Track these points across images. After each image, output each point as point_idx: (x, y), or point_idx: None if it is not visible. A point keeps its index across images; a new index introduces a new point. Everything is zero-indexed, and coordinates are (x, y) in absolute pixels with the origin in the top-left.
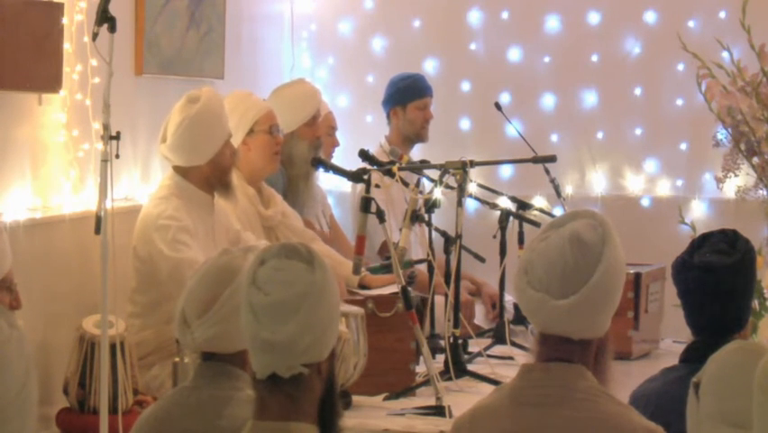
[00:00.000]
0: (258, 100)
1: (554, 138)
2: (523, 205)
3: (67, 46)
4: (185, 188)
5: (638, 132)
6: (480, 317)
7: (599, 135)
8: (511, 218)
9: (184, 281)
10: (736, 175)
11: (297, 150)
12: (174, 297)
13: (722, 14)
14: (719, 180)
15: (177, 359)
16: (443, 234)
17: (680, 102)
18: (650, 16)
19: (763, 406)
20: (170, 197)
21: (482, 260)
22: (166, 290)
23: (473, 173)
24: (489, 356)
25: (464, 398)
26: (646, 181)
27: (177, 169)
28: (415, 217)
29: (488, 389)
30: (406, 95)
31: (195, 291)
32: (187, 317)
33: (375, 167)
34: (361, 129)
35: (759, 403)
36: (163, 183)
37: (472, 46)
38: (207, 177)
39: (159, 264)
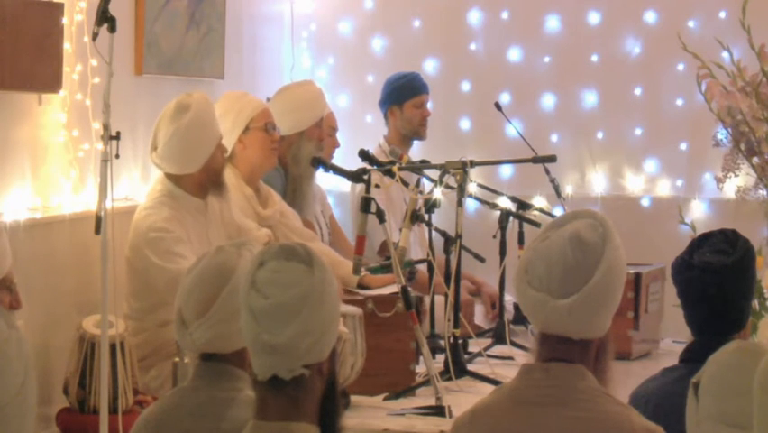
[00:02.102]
0: (253, 99)
1: (554, 138)
2: (523, 205)
3: (67, 46)
4: (176, 194)
5: (638, 132)
6: (480, 317)
7: (599, 135)
8: (511, 218)
9: None
10: (736, 175)
11: (304, 150)
12: (170, 303)
13: (722, 14)
14: (719, 180)
15: (176, 359)
16: (443, 234)
17: (680, 102)
18: (650, 16)
19: (763, 406)
20: (160, 206)
21: (482, 260)
22: (161, 297)
23: (473, 173)
24: (489, 356)
25: (464, 398)
26: (646, 181)
27: (168, 175)
28: (415, 217)
29: (488, 389)
30: (403, 93)
31: (192, 292)
32: (186, 319)
33: (375, 167)
34: (360, 129)
35: (759, 403)
36: (154, 188)
37: (472, 46)
38: (201, 182)
39: (155, 276)
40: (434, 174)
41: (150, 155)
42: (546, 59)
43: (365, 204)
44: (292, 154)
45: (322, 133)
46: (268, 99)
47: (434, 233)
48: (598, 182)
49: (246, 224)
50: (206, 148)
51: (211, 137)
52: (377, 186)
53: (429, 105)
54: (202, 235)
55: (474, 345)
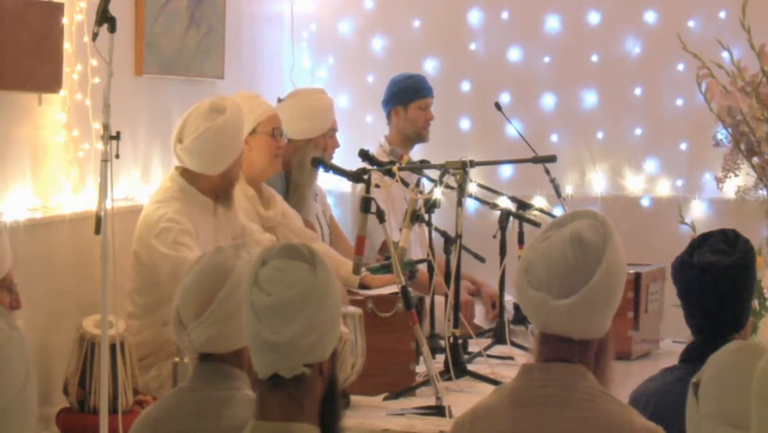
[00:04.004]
0: (263, 101)
1: (554, 138)
2: (523, 205)
3: (67, 46)
4: (187, 191)
5: (638, 132)
6: (480, 317)
7: (599, 135)
8: (511, 218)
9: None
10: (736, 175)
11: (310, 157)
12: (173, 298)
13: (722, 14)
14: (719, 180)
15: (176, 359)
16: (443, 234)
17: (680, 102)
18: (650, 16)
19: (761, 413)
20: (171, 200)
21: (482, 260)
22: (165, 291)
23: (473, 173)
24: (489, 356)
25: (464, 398)
26: (646, 181)
27: (184, 172)
28: (415, 217)
29: (488, 389)
30: (408, 94)
31: (189, 292)
32: (183, 319)
33: (375, 167)
34: (361, 129)
35: (757, 410)
36: (164, 185)
37: (472, 46)
38: (215, 187)
39: (159, 266)
40: (434, 174)
41: (174, 147)
42: (546, 59)
43: (365, 204)
44: (297, 160)
45: (327, 143)
46: (279, 100)
47: (434, 233)
48: (598, 182)
49: (250, 226)
50: (232, 154)
51: (238, 145)
52: (377, 186)
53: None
54: (210, 231)
55: (474, 345)
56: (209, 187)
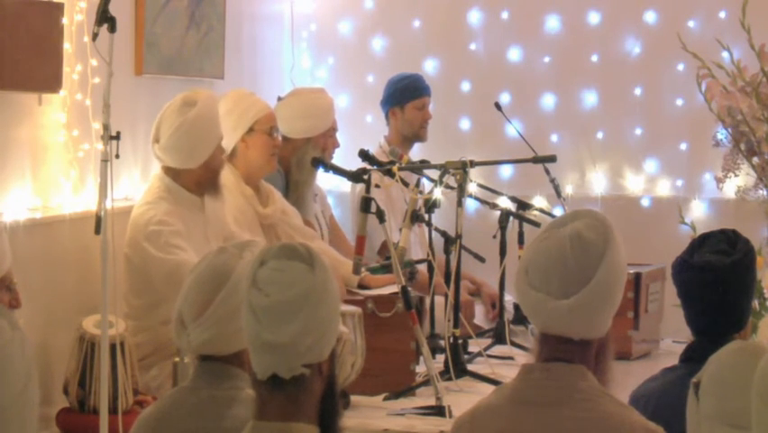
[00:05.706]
0: (258, 100)
1: (554, 138)
2: (523, 205)
3: (67, 46)
4: (174, 190)
5: (638, 132)
6: (480, 317)
7: (599, 135)
8: (511, 218)
9: (181, 284)
10: (736, 175)
11: (309, 156)
12: (170, 299)
13: (722, 14)
14: (719, 180)
15: (176, 359)
16: (443, 234)
17: (680, 102)
18: (650, 16)
19: (760, 413)
20: (159, 201)
21: (482, 260)
22: (161, 293)
23: (473, 173)
24: (489, 356)
25: (464, 398)
26: (646, 181)
27: (167, 170)
28: (415, 217)
29: (488, 389)
30: (405, 95)
31: (190, 293)
32: (184, 320)
33: (375, 167)
34: (360, 129)
35: (757, 410)
36: (152, 185)
37: (472, 46)
38: (199, 179)
39: (153, 269)
40: (434, 174)
41: (152, 147)
42: (546, 59)
43: (365, 204)
44: (297, 159)
45: (327, 142)
46: (279, 98)
47: (434, 233)
48: (598, 182)
49: (240, 235)
50: (209, 144)
51: (214, 135)
52: (377, 186)
53: (430, 107)
54: (200, 232)
55: (474, 345)
56: (193, 180)
